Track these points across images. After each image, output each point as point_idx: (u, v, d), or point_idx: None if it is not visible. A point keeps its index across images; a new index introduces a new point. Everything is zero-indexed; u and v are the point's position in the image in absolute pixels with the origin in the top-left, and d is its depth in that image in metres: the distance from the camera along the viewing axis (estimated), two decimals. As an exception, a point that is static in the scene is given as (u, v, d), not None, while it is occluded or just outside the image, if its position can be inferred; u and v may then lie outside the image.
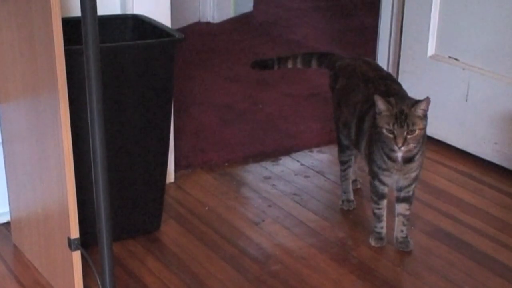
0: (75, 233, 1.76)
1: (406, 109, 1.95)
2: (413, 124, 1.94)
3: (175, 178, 2.54)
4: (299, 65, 2.44)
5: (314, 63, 2.41)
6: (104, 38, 1.92)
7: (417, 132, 1.95)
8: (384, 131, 1.96)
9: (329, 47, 3.90)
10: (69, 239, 1.77)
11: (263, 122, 3.02)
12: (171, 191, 2.46)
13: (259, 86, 3.40)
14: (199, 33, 4.16)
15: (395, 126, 1.94)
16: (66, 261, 1.82)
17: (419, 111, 1.95)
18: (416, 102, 1.96)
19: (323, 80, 2.51)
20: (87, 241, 1.83)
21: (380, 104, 1.97)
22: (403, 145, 1.95)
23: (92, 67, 1.56)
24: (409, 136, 1.95)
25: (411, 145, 1.96)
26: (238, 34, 4.21)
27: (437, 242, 2.21)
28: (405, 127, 1.94)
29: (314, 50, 2.51)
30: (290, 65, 2.45)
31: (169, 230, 2.24)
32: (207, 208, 2.38)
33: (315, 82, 3.42)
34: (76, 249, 1.77)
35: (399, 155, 2.01)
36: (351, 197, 2.40)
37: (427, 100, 1.96)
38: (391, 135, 1.95)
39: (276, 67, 2.46)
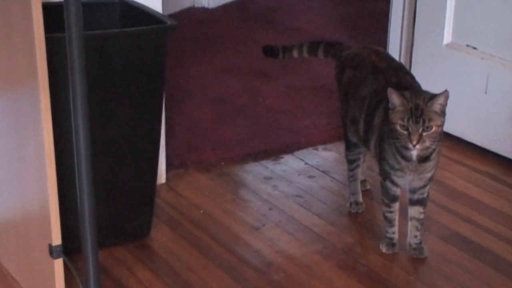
0: (57, 239, 1.76)
1: (422, 104, 1.94)
2: (430, 120, 1.94)
3: (167, 178, 2.54)
4: (305, 54, 2.45)
5: (320, 53, 2.42)
6: (88, 26, 1.92)
7: (433, 129, 1.95)
8: (398, 127, 1.96)
9: (335, 35, 3.90)
10: (50, 245, 1.77)
11: (264, 117, 3.02)
12: (163, 193, 2.46)
13: (258, 78, 3.40)
14: (193, 20, 4.15)
15: (410, 122, 1.94)
16: (47, 270, 1.82)
17: (436, 106, 1.95)
18: (434, 96, 1.96)
19: (329, 70, 2.51)
20: (70, 248, 1.83)
21: (394, 98, 1.96)
22: (418, 142, 1.94)
23: (75, 57, 1.55)
24: (425, 133, 1.94)
25: (427, 143, 1.96)
26: (235, 20, 4.20)
27: (454, 249, 2.21)
28: (421, 123, 1.93)
29: (320, 39, 2.53)
30: (295, 54, 2.46)
31: (160, 236, 2.23)
32: (202, 211, 2.38)
33: (320, 73, 3.42)
34: (58, 256, 1.77)
35: (414, 153, 2.00)
36: (360, 199, 2.40)
37: (446, 94, 1.95)
38: (405, 132, 1.95)
39: (280, 55, 2.48)
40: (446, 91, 1.95)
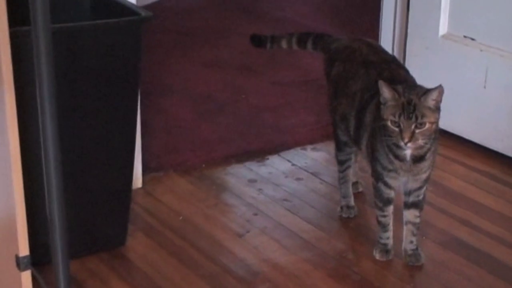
0: (24, 250, 1.75)
1: (415, 99, 1.95)
2: (423, 116, 1.94)
3: (143, 182, 2.54)
4: (294, 46, 2.46)
5: (309, 45, 2.43)
6: (57, 18, 1.90)
7: (427, 125, 1.95)
8: (389, 123, 1.96)
9: (324, 26, 3.91)
10: (17, 257, 1.76)
11: (248, 115, 3.02)
12: (139, 198, 2.45)
13: (242, 73, 3.40)
14: (170, 11, 4.15)
15: (402, 118, 1.94)
16: (13, 283, 1.81)
17: (430, 102, 1.95)
18: (427, 91, 1.96)
19: (318, 64, 2.51)
20: (38, 259, 1.82)
21: (385, 92, 1.97)
22: (410, 140, 1.95)
23: (42, 52, 1.54)
24: (417, 130, 1.95)
25: (420, 141, 1.96)
26: (216, 11, 4.20)
27: (452, 254, 2.22)
28: (413, 119, 1.94)
29: (310, 30, 2.55)
30: (284, 45, 2.47)
31: (136, 245, 2.23)
32: (181, 218, 2.38)
33: (308, 66, 3.43)
34: (25, 268, 1.76)
35: (408, 152, 2.01)
36: (352, 202, 2.40)
37: (440, 89, 1.96)
38: (396, 129, 1.95)
39: (268, 45, 2.48)
40: (440, 86, 1.96)
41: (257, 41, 2.51)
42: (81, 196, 2.09)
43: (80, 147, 2.05)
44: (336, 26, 3.94)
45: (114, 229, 2.19)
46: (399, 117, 1.94)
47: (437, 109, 1.97)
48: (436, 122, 1.98)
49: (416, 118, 1.94)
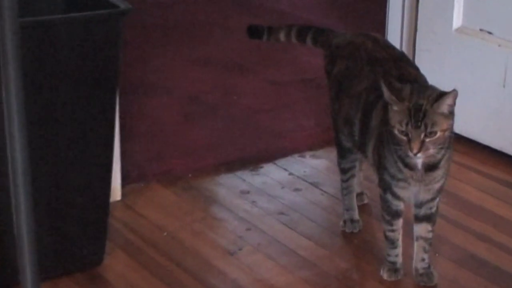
0: (-11, 271, 1.74)
1: (426, 105, 1.93)
2: (434, 124, 1.93)
3: (123, 194, 2.53)
4: (293, 40, 2.47)
5: (309, 40, 2.44)
6: (26, 11, 1.90)
7: (438, 134, 1.94)
8: (396, 132, 1.96)
9: (325, 19, 3.91)
10: (-19, 278, 1.75)
11: (240, 119, 3.02)
12: (118, 212, 2.45)
13: (234, 72, 3.40)
14: (154, 3, 4.15)
15: (409, 126, 1.93)
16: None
17: (443, 108, 1.94)
18: (440, 97, 1.94)
19: (318, 61, 2.51)
20: (6, 282, 1.81)
21: (386, 94, 1.96)
22: (419, 151, 1.94)
23: (9, 48, 1.53)
24: (427, 139, 1.94)
25: (431, 151, 1.96)
26: (205, 3, 4.21)
27: (469, 273, 2.22)
28: (422, 128, 1.93)
29: (311, 24, 2.56)
30: (282, 37, 2.48)
31: (115, 264, 2.22)
32: (165, 233, 2.38)
33: (307, 64, 3.43)
34: (-9, 291, 1.75)
35: (419, 161, 2.00)
36: (356, 216, 2.40)
37: (455, 93, 1.94)
38: (404, 137, 1.95)
39: (265, 37, 2.49)
40: (454, 90, 1.94)
41: (254, 32, 2.52)
42: (53, 211, 2.09)
43: (51, 155, 2.05)
44: (338, 19, 3.95)
45: (90, 247, 2.19)
46: (406, 125, 1.93)
47: (450, 114, 1.96)
48: (450, 128, 1.97)
49: (426, 126, 1.92)
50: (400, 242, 2.16)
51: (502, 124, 2.78)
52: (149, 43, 3.66)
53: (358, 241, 2.36)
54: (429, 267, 2.16)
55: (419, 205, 2.12)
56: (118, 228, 2.37)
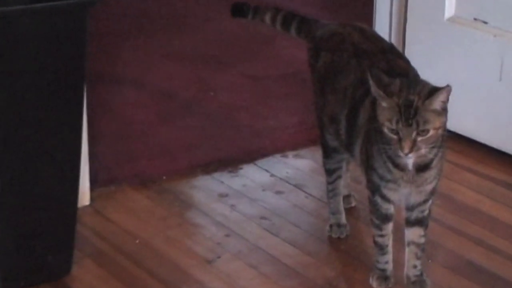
0: None
1: (417, 101, 1.93)
2: (426, 122, 1.93)
3: (92, 199, 2.53)
4: (278, 27, 2.48)
5: (293, 29, 2.44)
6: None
7: (431, 132, 1.94)
8: (385, 130, 1.96)
9: (311, 9, 3.91)
10: None
11: (217, 117, 3.02)
12: (86, 218, 2.44)
13: (210, 66, 3.40)
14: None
15: (399, 124, 1.93)
16: None
17: (436, 104, 1.94)
18: (432, 93, 1.94)
19: (301, 54, 2.50)
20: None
21: (374, 89, 1.96)
22: (411, 151, 1.94)
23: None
24: (419, 138, 1.94)
25: (423, 150, 1.96)
26: (180, -8, 4.20)
27: (464, 280, 2.22)
28: (414, 126, 1.93)
29: (297, 12, 2.56)
30: (268, 20, 2.49)
31: (83, 274, 2.22)
32: (138, 241, 2.37)
33: (289, 57, 3.43)
34: None
35: (410, 161, 2.00)
36: (343, 220, 2.40)
37: (447, 89, 1.95)
38: (394, 136, 1.95)
39: (250, 16, 2.50)
40: (448, 86, 1.94)
41: (238, 10, 2.53)
42: (16, 217, 2.08)
43: (13, 156, 2.03)
44: (323, 8, 3.95)
45: (57, 255, 2.18)
46: (397, 123, 1.93)
47: (443, 110, 1.96)
48: (443, 126, 1.97)
49: (418, 125, 1.93)
50: (390, 248, 2.16)
51: (499, 120, 2.78)
52: (120, 35, 3.65)
53: (345, 247, 2.36)
54: (421, 274, 2.16)
55: (410, 208, 2.12)
56: (86, 235, 2.37)
